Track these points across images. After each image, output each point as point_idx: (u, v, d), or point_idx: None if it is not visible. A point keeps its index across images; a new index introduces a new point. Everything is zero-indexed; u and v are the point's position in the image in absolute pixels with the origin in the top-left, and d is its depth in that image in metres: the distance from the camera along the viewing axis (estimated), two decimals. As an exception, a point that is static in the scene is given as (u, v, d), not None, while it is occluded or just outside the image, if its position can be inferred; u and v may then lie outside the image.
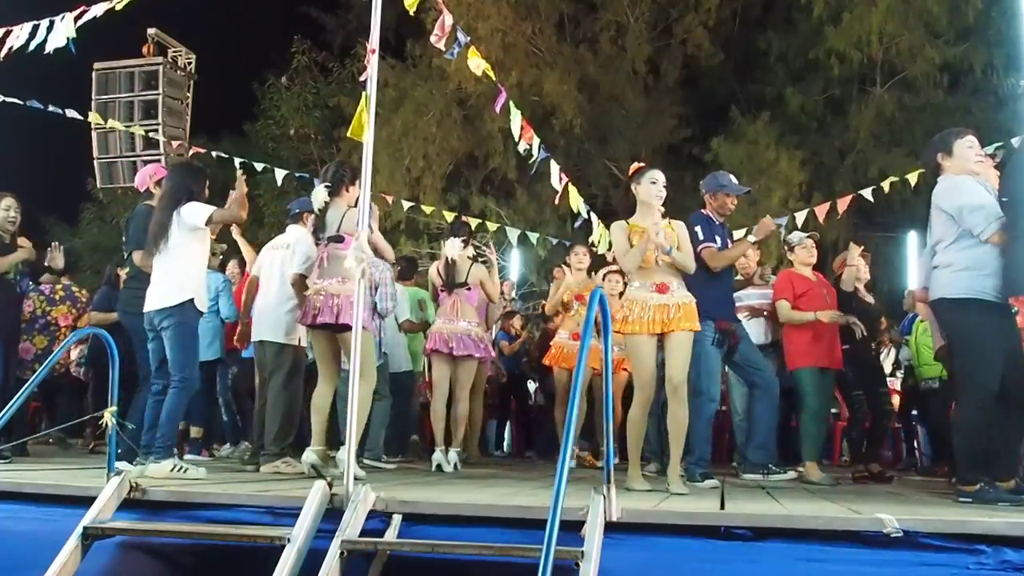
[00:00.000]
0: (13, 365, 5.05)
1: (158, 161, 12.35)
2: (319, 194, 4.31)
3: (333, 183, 4.35)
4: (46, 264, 5.50)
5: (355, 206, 4.20)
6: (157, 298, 4.01)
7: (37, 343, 5.56)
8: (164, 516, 2.81)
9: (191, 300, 4.01)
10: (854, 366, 5.31)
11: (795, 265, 5.28)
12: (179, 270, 4.01)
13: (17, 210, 5.01)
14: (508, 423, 9.48)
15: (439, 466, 5.05)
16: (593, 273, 6.35)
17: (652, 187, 3.94)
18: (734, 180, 4.75)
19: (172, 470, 3.74)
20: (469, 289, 5.30)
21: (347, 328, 4.02)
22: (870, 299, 5.61)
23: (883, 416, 5.55)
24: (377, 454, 5.39)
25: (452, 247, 5.35)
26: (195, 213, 4.02)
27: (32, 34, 5.24)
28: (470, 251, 5.56)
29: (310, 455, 4.14)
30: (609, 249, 8.14)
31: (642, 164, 4.10)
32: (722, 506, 3.03)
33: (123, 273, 6.33)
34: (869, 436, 5.57)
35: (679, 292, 3.88)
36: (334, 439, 4.61)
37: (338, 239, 4.25)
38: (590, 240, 7.54)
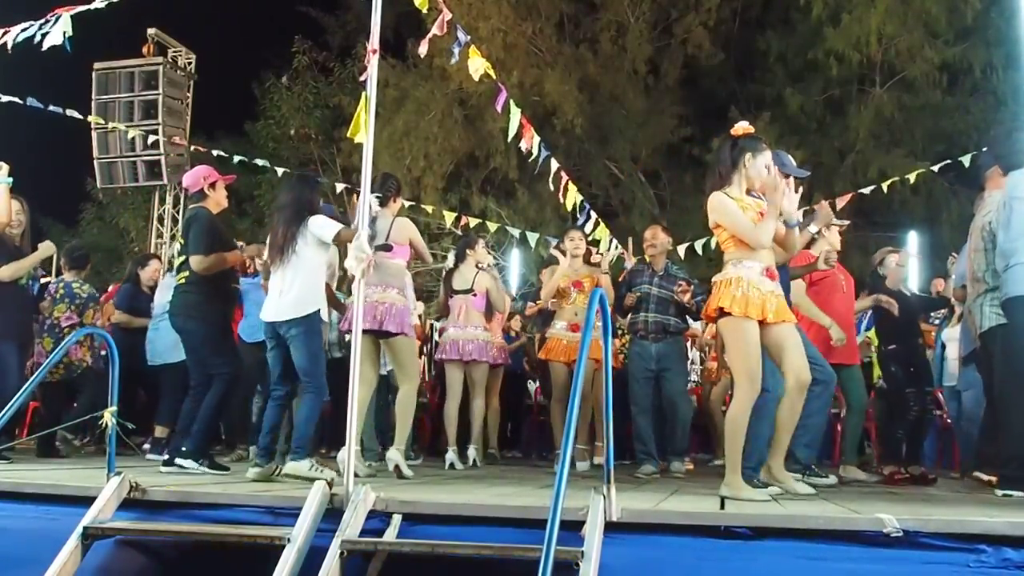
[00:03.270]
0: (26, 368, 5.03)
1: (157, 161, 12.38)
2: (371, 203, 4.45)
3: (383, 193, 4.59)
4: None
5: (398, 215, 4.68)
6: (286, 308, 4.03)
7: (45, 345, 5.51)
8: (164, 516, 2.81)
9: (318, 311, 4.09)
10: (901, 365, 5.21)
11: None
12: (306, 282, 4.04)
13: (22, 213, 4.97)
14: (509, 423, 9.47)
15: (451, 464, 5.31)
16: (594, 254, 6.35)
17: (763, 171, 3.53)
18: (794, 162, 4.35)
19: (310, 469, 3.82)
20: (475, 295, 5.61)
21: (391, 334, 4.44)
22: (906, 292, 5.44)
23: (925, 416, 5.40)
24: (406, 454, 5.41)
25: (451, 258, 5.78)
26: (324, 227, 4.07)
27: (32, 34, 5.22)
28: (486, 260, 5.87)
29: (395, 454, 4.36)
30: (608, 247, 8.12)
31: (751, 129, 3.66)
32: (722, 506, 3.03)
33: (157, 274, 6.35)
34: (910, 437, 5.39)
35: (776, 282, 3.54)
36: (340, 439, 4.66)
37: (386, 247, 4.47)
38: (590, 239, 7.53)
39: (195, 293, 4.35)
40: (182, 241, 4.46)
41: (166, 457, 4.36)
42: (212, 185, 4.47)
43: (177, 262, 4.54)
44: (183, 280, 4.42)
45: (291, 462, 3.87)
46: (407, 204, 10.52)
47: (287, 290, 4.04)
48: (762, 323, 3.40)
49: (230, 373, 4.36)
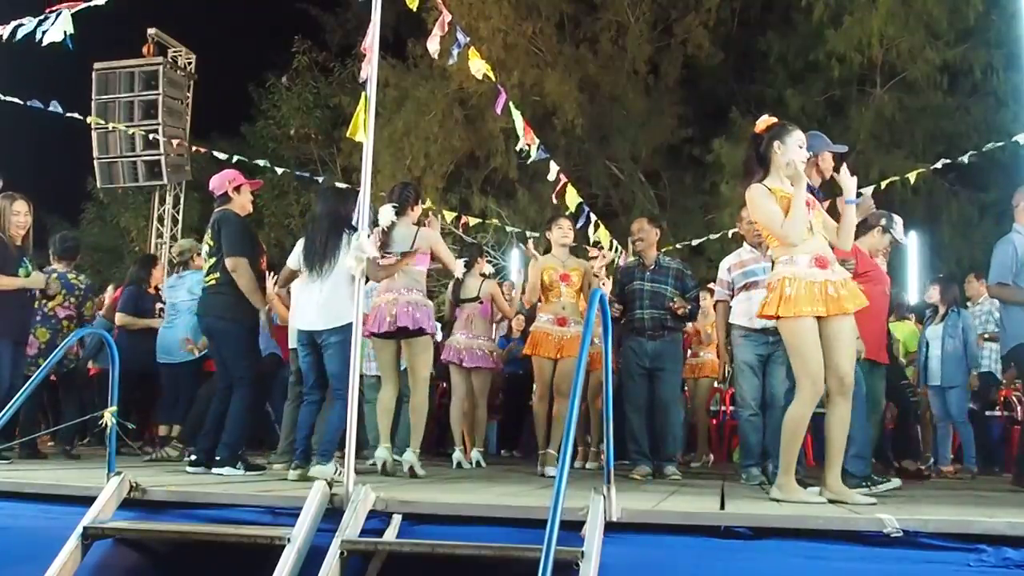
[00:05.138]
0: (22, 366, 5.00)
1: (157, 161, 12.37)
2: (387, 213, 4.60)
3: (400, 203, 4.72)
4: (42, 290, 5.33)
5: (419, 224, 4.81)
6: (327, 317, 4.14)
7: (40, 335, 5.42)
8: (164, 516, 2.81)
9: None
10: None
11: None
12: (345, 293, 4.10)
13: (28, 214, 4.94)
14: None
15: (459, 464, 5.44)
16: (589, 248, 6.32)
17: (800, 152, 3.40)
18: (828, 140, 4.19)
19: (335, 473, 3.86)
20: (481, 303, 5.79)
21: (422, 332, 4.58)
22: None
23: (910, 410, 5.28)
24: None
25: (457, 268, 5.73)
26: (367, 245, 4.14)
27: (31, 29, 5.21)
28: (487, 269, 6.03)
29: (384, 452, 4.53)
30: (603, 243, 8.11)
31: (775, 120, 3.52)
32: (722, 506, 3.03)
33: (163, 275, 6.39)
34: (897, 433, 5.32)
35: (838, 267, 3.39)
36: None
37: (409, 254, 4.61)
38: (592, 240, 7.52)
39: (227, 294, 4.35)
40: (211, 243, 4.42)
41: (193, 458, 4.38)
42: (237, 189, 4.53)
43: (207, 264, 4.49)
44: (214, 281, 4.42)
45: (318, 466, 3.95)
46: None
47: (325, 300, 4.15)
48: (819, 317, 3.26)
49: (252, 379, 4.41)
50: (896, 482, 4.07)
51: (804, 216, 3.32)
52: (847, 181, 3.50)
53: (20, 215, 4.89)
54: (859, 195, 4.06)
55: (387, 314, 4.54)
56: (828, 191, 4.05)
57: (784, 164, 3.39)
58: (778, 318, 3.29)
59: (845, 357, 3.28)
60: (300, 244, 4.88)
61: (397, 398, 4.83)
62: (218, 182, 4.57)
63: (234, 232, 4.38)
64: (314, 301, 4.19)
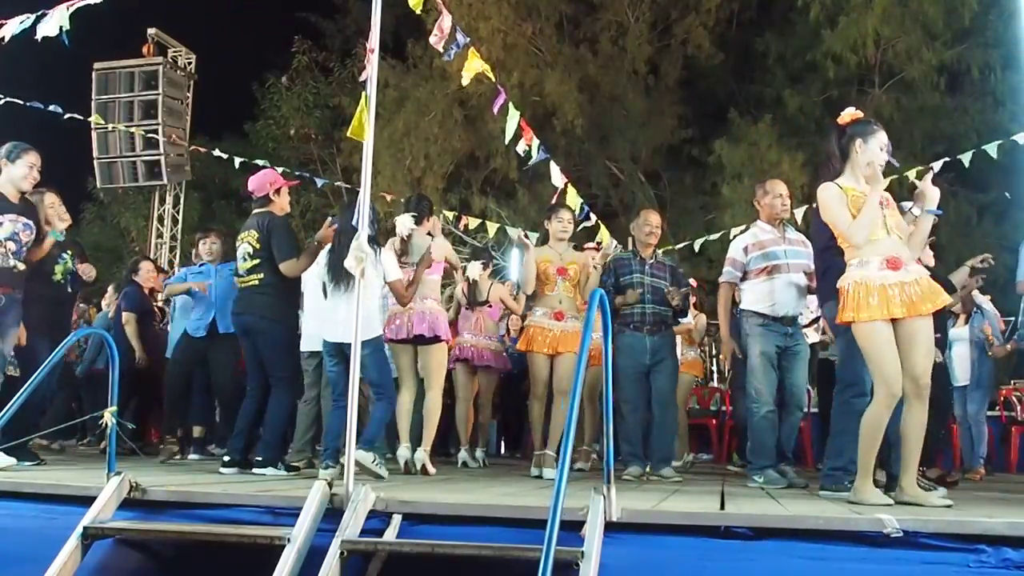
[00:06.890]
0: (58, 368, 4.96)
1: (157, 161, 12.37)
2: (405, 223, 4.77)
3: (419, 213, 4.91)
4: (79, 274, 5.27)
5: (432, 235, 4.94)
6: (355, 331, 4.17)
7: None
8: (164, 516, 2.81)
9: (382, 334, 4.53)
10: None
11: None
12: (372, 306, 4.29)
13: (61, 205, 4.95)
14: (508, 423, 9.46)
15: (464, 463, 5.71)
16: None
17: (879, 154, 3.34)
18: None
19: (372, 462, 4.09)
20: (491, 306, 6.02)
21: (437, 339, 4.75)
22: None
23: (941, 415, 5.05)
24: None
25: (473, 269, 6.03)
26: (389, 267, 4.43)
27: (29, 25, 5.21)
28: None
29: (405, 451, 4.72)
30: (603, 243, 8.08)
31: (859, 114, 3.43)
32: (722, 506, 3.03)
33: (152, 275, 6.44)
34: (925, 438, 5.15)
35: (914, 266, 3.30)
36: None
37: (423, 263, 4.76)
38: (595, 240, 7.51)
39: (270, 295, 4.42)
40: (257, 245, 4.43)
41: (227, 459, 4.40)
42: (277, 191, 4.60)
43: (247, 265, 4.48)
44: (256, 281, 4.46)
45: (358, 451, 4.09)
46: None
47: (353, 313, 4.13)
48: (894, 319, 3.20)
49: (291, 378, 4.51)
50: (943, 492, 3.94)
51: (875, 218, 3.26)
52: (930, 191, 3.42)
53: (55, 206, 4.87)
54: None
55: (404, 322, 4.72)
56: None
57: (864, 164, 3.35)
58: (852, 323, 3.25)
59: (920, 359, 3.21)
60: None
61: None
62: (258, 184, 4.61)
63: (285, 236, 4.48)
64: (341, 313, 4.20)
